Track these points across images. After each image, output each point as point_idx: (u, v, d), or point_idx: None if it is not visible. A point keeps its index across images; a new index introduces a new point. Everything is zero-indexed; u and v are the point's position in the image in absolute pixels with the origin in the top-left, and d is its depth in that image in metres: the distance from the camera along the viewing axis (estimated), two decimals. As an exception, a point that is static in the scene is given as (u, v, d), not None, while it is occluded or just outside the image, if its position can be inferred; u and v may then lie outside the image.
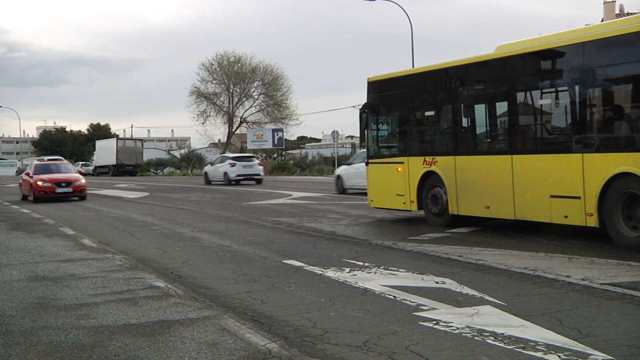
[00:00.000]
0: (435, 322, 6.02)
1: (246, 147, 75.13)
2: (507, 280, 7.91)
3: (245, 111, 75.83)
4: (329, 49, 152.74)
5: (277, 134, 69.60)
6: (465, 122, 13.22)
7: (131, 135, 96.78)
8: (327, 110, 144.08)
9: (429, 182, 13.46)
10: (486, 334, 5.59)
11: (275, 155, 72.03)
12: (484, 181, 12.25)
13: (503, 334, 5.57)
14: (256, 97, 75.29)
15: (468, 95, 13.19)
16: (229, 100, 75.24)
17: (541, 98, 11.64)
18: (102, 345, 5.59)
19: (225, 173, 34.36)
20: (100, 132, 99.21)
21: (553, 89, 11.40)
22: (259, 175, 34.82)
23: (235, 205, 21.22)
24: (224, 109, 75.51)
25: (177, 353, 5.36)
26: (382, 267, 8.87)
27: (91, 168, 74.93)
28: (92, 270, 9.39)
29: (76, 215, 18.63)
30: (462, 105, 13.03)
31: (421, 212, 13.96)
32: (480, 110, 12.91)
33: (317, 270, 8.87)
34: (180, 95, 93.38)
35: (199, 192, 28.54)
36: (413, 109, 14.48)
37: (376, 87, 15.19)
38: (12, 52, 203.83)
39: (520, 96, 12.06)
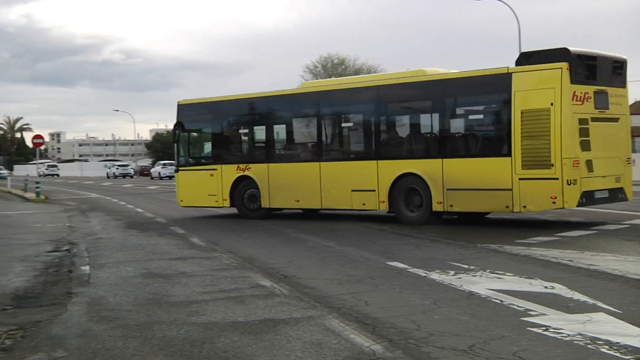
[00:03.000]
0: (544, 328, 5.82)
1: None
2: (623, 287, 7.56)
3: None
4: (433, 49, 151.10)
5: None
6: (278, 138, 17.40)
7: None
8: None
9: (243, 185, 17.12)
10: (600, 342, 5.35)
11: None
12: (295, 182, 16.06)
13: (619, 343, 5.31)
14: (359, 98, 75.45)
15: (283, 117, 17.37)
16: (334, 102, 75.74)
17: (347, 122, 16.51)
18: (211, 342, 5.76)
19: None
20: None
21: (352, 117, 16.46)
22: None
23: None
24: (328, 111, 76.07)
25: (283, 352, 5.45)
26: (488, 271, 8.68)
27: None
28: (201, 268, 9.69)
29: (186, 216, 19.28)
30: (274, 125, 17.29)
31: (233, 209, 17.50)
32: (292, 129, 17.29)
33: (421, 272, 8.79)
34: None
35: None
36: (226, 127, 18.20)
37: (187, 109, 18.58)
38: (129, 58, 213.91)
39: (330, 120, 16.62)
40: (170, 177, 51.72)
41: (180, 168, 18.59)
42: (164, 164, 59.10)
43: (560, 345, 5.36)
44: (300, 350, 5.45)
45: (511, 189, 12.90)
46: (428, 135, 14.75)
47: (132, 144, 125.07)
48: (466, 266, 9.10)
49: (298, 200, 16.25)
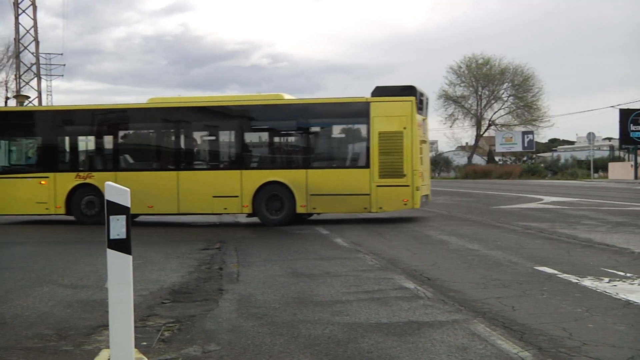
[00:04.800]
0: None
1: (494, 150, 73.57)
2: None
3: (494, 113, 74.29)
4: (587, 47, 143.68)
5: (527, 137, 67.24)
6: (128, 148, 18.14)
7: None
8: (582, 112, 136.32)
9: (80, 192, 17.40)
10: None
11: (524, 159, 69.50)
12: (148, 189, 16.74)
13: None
14: (505, 99, 73.40)
15: (130, 128, 18.32)
16: (477, 103, 74.24)
17: (210, 136, 17.96)
18: (356, 342, 5.81)
19: None
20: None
21: (215, 132, 17.88)
22: None
23: (484, 209, 20.88)
24: (472, 112, 74.63)
25: (427, 355, 5.39)
26: (647, 279, 8.16)
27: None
28: (345, 269, 9.80)
29: (330, 216, 19.58)
30: (125, 135, 18.23)
31: (69, 216, 17.51)
32: (144, 140, 18.48)
33: (572, 278, 8.40)
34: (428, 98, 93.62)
35: (446, 195, 28.52)
36: (61, 136, 18.09)
37: (3, 117, 18.85)
38: (276, 62, 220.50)
39: (189, 134, 17.76)
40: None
41: None
42: None
43: None
44: (445, 354, 5.38)
45: (369, 194, 16.18)
46: (292, 149, 17.59)
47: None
48: (622, 273, 8.60)
49: (151, 206, 17.15)
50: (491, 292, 7.81)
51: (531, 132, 67.66)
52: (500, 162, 70.10)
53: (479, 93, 73.39)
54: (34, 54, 51.17)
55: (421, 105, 16.85)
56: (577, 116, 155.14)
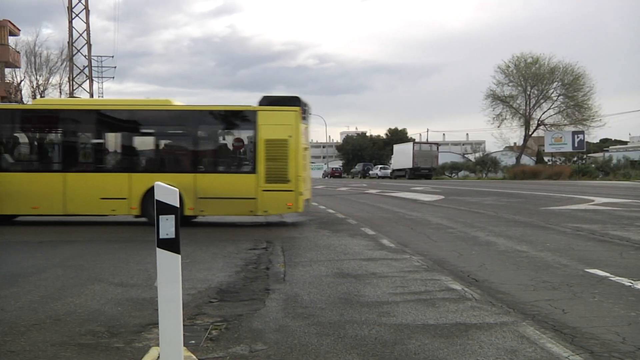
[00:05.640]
0: None
1: (543, 150, 72.37)
2: None
3: (543, 113, 73.11)
4: (632, 44, 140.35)
5: (578, 137, 65.94)
6: (12, 149, 18.21)
7: (427, 139, 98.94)
8: (635, 111, 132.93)
9: None
10: None
11: (574, 159, 68.19)
12: (33, 190, 17.22)
13: None
14: (555, 98, 72.16)
15: (11, 130, 18.15)
16: (526, 103, 73.18)
17: (98, 139, 18.05)
18: (403, 343, 5.78)
19: None
20: (398, 136, 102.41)
21: (103, 135, 18.10)
22: None
23: (532, 210, 20.56)
24: (520, 112, 73.60)
25: (475, 357, 5.34)
26: None
27: (389, 171, 78.03)
28: (391, 269, 9.76)
29: (375, 217, 19.55)
30: (10, 136, 18.16)
31: None
32: (29, 141, 18.41)
33: (625, 281, 8.22)
34: (475, 98, 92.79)
35: (493, 196, 28.17)
36: None
37: None
38: (322, 63, 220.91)
39: (76, 137, 17.95)
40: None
41: None
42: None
43: None
44: (493, 357, 5.31)
45: (256, 198, 16.77)
46: (181, 153, 17.98)
47: (324, 147, 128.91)
48: (677, 276, 8.37)
49: (36, 207, 17.37)
50: (541, 295, 7.69)
51: (582, 132, 66.32)
52: (550, 163, 68.90)
53: (528, 92, 72.32)
54: (87, 57, 52.33)
55: (304, 115, 17.41)
56: (630, 115, 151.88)
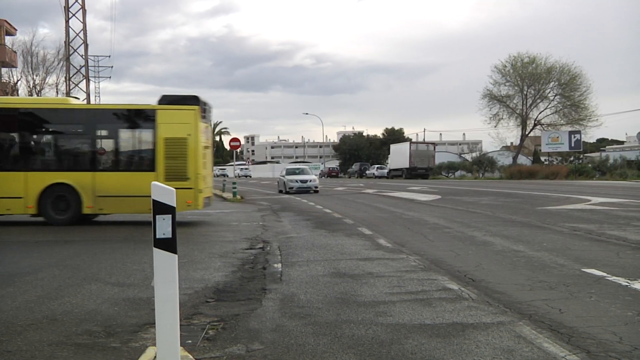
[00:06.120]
0: None
1: (540, 150, 72.49)
2: None
3: (540, 113, 73.16)
4: (637, 43, 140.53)
5: (574, 136, 66.08)
6: None
7: (424, 139, 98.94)
8: (631, 110, 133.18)
9: None
10: None
11: (571, 159, 68.26)
12: None
13: None
14: (551, 98, 72.19)
15: None
16: (523, 103, 73.23)
17: None
18: (399, 343, 5.79)
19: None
20: (394, 136, 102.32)
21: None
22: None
23: (529, 209, 20.58)
24: (517, 112, 73.66)
25: (472, 357, 5.34)
26: (700, 282, 7.93)
27: (385, 171, 78.06)
28: (388, 269, 9.76)
29: (372, 216, 19.55)
30: None
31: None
32: None
33: (622, 281, 8.23)
34: (472, 98, 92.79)
35: (490, 196, 28.20)
36: None
37: None
38: (319, 63, 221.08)
39: None
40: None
41: None
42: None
43: None
44: (490, 357, 5.32)
45: None
46: (79, 152, 18.07)
47: (320, 146, 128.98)
48: (673, 276, 8.38)
49: None
50: (537, 294, 7.70)
51: (578, 132, 66.43)
52: (546, 163, 68.95)
53: (525, 92, 72.36)
54: (83, 57, 52.24)
55: (205, 114, 17.75)
56: (626, 115, 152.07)
